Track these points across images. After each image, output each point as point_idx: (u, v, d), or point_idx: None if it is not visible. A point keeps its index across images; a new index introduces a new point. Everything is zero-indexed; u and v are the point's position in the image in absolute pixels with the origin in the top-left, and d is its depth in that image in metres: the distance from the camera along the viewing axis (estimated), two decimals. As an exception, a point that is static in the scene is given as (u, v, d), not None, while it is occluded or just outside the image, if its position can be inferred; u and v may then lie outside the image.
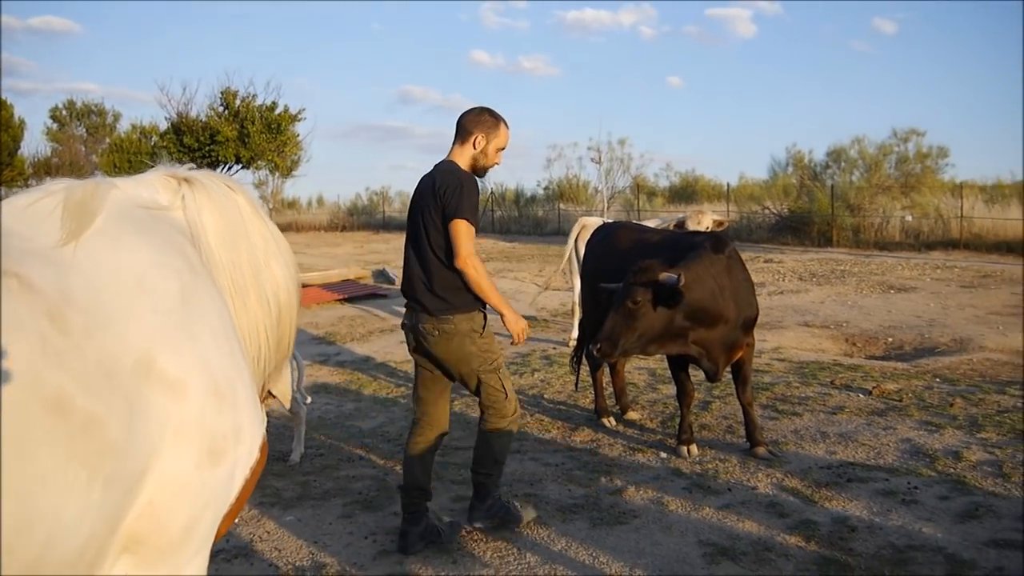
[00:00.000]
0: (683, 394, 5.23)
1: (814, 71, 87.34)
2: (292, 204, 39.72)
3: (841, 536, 3.85)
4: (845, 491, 4.37)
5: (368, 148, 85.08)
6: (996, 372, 7.56)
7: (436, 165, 3.97)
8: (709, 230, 6.83)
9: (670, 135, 75.79)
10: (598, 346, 4.64)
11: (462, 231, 3.72)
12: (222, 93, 22.49)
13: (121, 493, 1.45)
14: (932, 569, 3.49)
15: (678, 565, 3.65)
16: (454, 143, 3.99)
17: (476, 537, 4.05)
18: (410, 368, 8.11)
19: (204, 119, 22.21)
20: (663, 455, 5.11)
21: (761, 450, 4.99)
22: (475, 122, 3.93)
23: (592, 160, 27.19)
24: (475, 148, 3.92)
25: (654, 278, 4.60)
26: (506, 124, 4.01)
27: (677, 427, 5.33)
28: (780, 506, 4.24)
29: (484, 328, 3.90)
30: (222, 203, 2.00)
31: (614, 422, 5.87)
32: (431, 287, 3.84)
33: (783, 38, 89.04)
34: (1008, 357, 8.28)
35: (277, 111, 22.62)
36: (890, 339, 9.50)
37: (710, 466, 4.88)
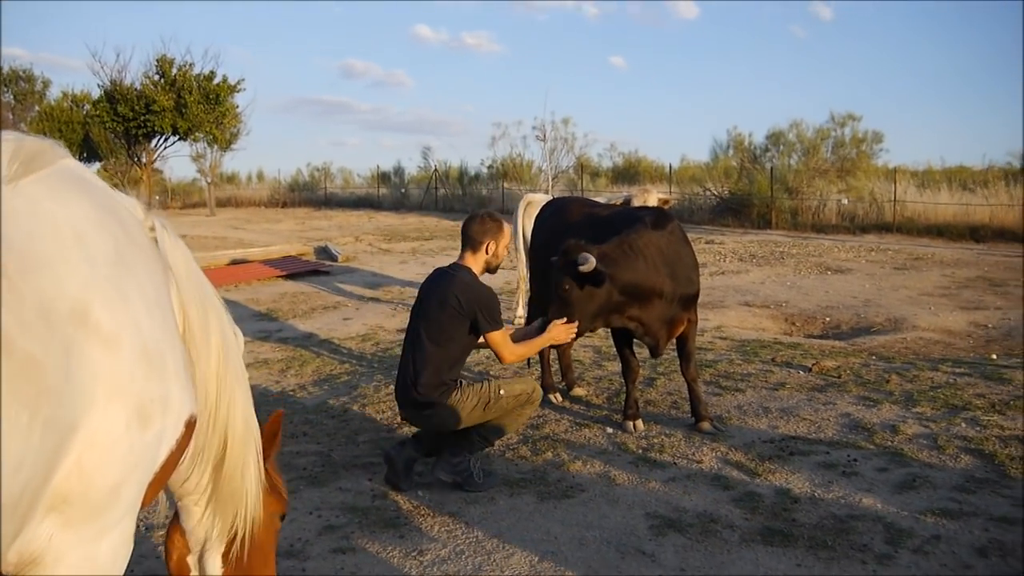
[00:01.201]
0: (628, 370, 5.26)
1: (755, 55, 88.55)
2: (231, 179, 38.90)
3: (784, 508, 3.92)
4: (787, 464, 4.45)
5: (309, 123, 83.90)
6: (929, 350, 7.78)
7: (451, 270, 4.37)
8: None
9: (613, 116, 76.23)
10: (561, 344, 4.70)
11: (499, 340, 4.27)
12: (158, 61, 21.88)
13: (56, 442, 1.46)
14: (872, 538, 3.57)
15: (625, 537, 3.68)
16: (464, 251, 4.42)
17: (423, 511, 4.03)
18: (354, 345, 8.03)
19: (139, 88, 21.55)
20: (609, 430, 5.13)
21: (706, 425, 5.05)
22: (482, 232, 4.36)
23: (537, 138, 27.18)
24: (487, 253, 4.39)
25: (573, 260, 4.55)
26: (507, 222, 4.55)
27: (623, 403, 5.36)
28: (725, 479, 4.29)
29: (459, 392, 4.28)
30: (186, 250, 2.02)
31: (560, 398, 5.88)
32: (415, 384, 4.25)
33: (724, 21, 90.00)
34: (940, 336, 8.54)
35: (216, 81, 22.05)
36: (828, 319, 9.70)
37: (656, 440, 4.92)
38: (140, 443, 1.63)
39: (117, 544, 1.69)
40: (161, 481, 1.82)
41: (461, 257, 4.44)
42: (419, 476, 4.43)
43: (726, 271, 13.34)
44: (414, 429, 4.63)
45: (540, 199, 8.58)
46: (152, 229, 1.93)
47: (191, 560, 2.28)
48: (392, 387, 5.55)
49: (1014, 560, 3.36)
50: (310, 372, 6.95)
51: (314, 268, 13.77)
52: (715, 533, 3.68)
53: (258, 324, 9.28)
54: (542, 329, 4.53)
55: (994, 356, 7.26)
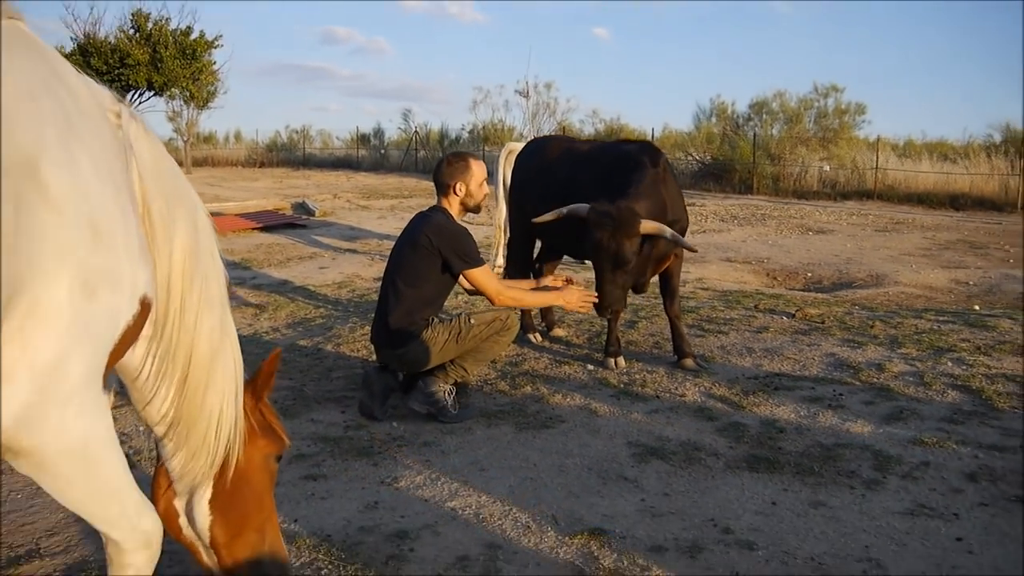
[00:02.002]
0: (612, 307, 5.12)
1: (739, 27, 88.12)
2: (208, 138, 38.14)
3: (770, 437, 3.83)
4: (772, 398, 4.36)
5: (289, 87, 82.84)
6: (911, 303, 7.72)
7: (426, 212, 4.31)
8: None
9: (596, 85, 75.67)
10: (612, 313, 4.54)
11: (480, 277, 4.12)
12: (133, 15, 21.31)
13: (5, 297, 1.44)
14: (860, 465, 3.49)
15: (607, 463, 3.57)
16: (439, 197, 4.32)
17: (398, 440, 3.90)
18: (329, 291, 7.86)
19: (113, 41, 21.00)
20: (590, 367, 5.01)
21: (689, 362, 4.94)
22: (448, 174, 4.25)
23: (519, 93, 26.92)
24: (459, 194, 4.24)
25: (638, 232, 4.40)
26: (474, 157, 4.36)
27: (604, 342, 5.23)
28: (708, 411, 4.20)
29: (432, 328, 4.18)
30: (159, 145, 1.93)
31: (540, 338, 5.75)
32: (388, 323, 4.16)
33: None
34: (921, 291, 8.48)
35: (192, 36, 21.54)
36: (809, 274, 9.63)
37: (637, 377, 4.81)
38: (84, 315, 1.56)
39: (79, 419, 1.61)
40: (117, 356, 1.73)
41: (437, 202, 4.34)
42: (393, 408, 4.29)
43: (707, 230, 13.24)
44: None
45: (521, 147, 8.38)
46: (119, 116, 1.82)
47: (178, 504, 2.13)
48: (368, 329, 5.41)
49: (1005, 485, 3.27)
50: (284, 316, 6.77)
51: (290, 221, 13.53)
52: (699, 460, 3.58)
53: (232, 272, 9.05)
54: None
55: (977, 307, 7.20)
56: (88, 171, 1.60)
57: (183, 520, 2.12)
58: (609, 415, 4.18)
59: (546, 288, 4.42)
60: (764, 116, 25.25)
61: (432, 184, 4.48)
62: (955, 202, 18.29)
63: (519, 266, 5.95)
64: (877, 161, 20.75)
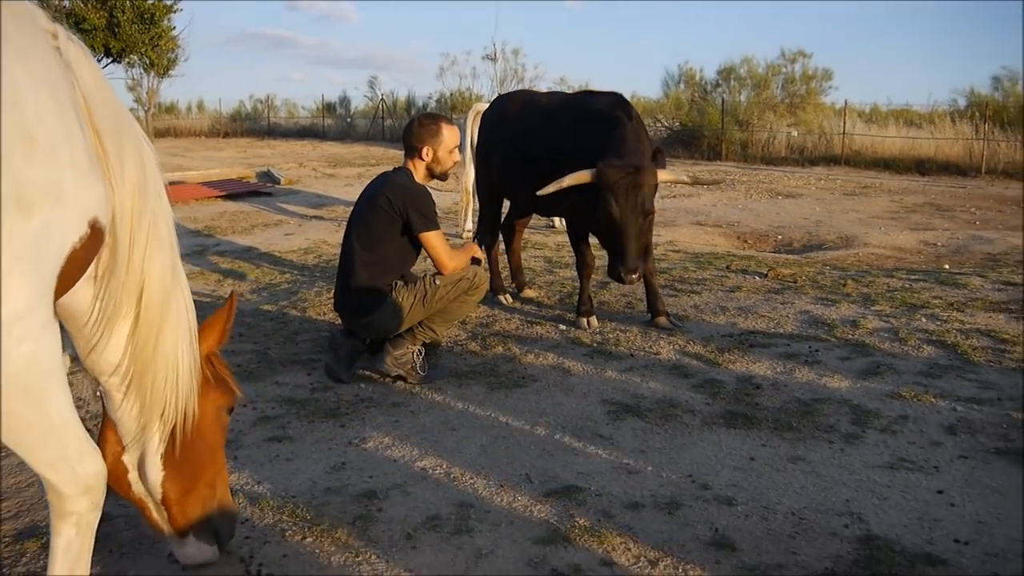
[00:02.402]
0: (583, 264, 5.02)
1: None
2: (170, 108, 37.20)
3: (747, 392, 3.76)
4: (748, 355, 4.30)
5: (252, 57, 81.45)
6: (881, 263, 7.70)
7: (388, 173, 4.14)
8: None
9: (565, 53, 75.01)
10: (637, 273, 4.32)
11: (435, 241, 3.96)
12: (88, -23, 20.59)
13: None
14: (838, 419, 3.44)
15: (581, 422, 3.48)
16: (405, 159, 4.13)
17: (366, 401, 3.78)
18: (295, 258, 7.69)
19: (68, 5, 20.36)
20: (562, 327, 4.91)
21: (662, 320, 4.86)
22: (417, 136, 4.05)
23: (487, 57, 26.59)
24: (426, 159, 4.06)
25: (656, 183, 4.35)
26: (447, 121, 4.14)
27: (576, 301, 5.13)
28: (684, 368, 4.12)
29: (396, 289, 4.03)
30: (98, 71, 1.80)
31: (510, 299, 5.63)
32: (349, 289, 4.04)
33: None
34: (891, 252, 8.47)
35: (150, 0, 20.92)
36: (780, 237, 9.59)
37: (611, 336, 4.72)
38: (21, 232, 1.46)
39: (21, 344, 1.50)
40: (67, 282, 1.62)
41: (403, 164, 4.16)
42: (361, 371, 4.16)
43: (677, 195, 13.16)
44: None
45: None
46: (55, 36, 1.68)
47: (127, 459, 2.01)
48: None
49: (984, 437, 3.23)
50: (249, 282, 6.59)
51: (255, 189, 13.24)
52: (675, 417, 3.50)
53: (194, 240, 8.83)
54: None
55: (947, 266, 7.20)
56: (21, 80, 1.49)
57: (132, 476, 2.00)
58: (583, 374, 4.09)
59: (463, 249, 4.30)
60: (732, 82, 25.16)
61: (398, 154, 4.31)
62: (921, 167, 18.37)
63: (488, 225, 5.81)
64: (844, 127, 20.80)
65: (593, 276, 5.19)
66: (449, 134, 4.09)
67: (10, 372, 1.49)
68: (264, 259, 7.65)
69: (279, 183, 14.54)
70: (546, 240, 8.51)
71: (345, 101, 34.16)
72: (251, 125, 34.47)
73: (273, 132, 33.32)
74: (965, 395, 3.65)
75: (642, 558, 2.43)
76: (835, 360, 4.18)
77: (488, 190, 5.75)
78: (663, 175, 4.41)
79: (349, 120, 32.65)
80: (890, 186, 15.00)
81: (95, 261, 1.74)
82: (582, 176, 4.33)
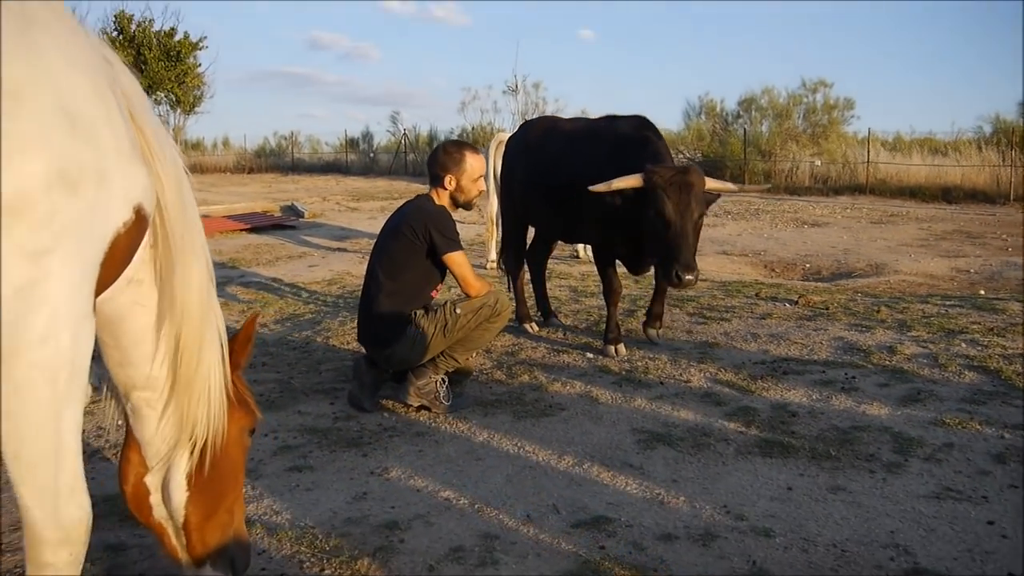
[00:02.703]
0: (610, 292, 4.93)
1: (725, 24, 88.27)
2: (196, 145, 37.79)
3: (782, 420, 3.63)
4: (782, 382, 4.17)
5: (275, 95, 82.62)
6: (914, 290, 7.54)
7: (411, 200, 4.10)
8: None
9: (584, 86, 75.33)
10: (694, 273, 4.20)
11: (460, 261, 3.89)
12: (116, 16, 20.99)
13: None
14: (879, 447, 3.30)
15: (611, 451, 3.36)
16: (430, 187, 4.06)
17: (389, 431, 3.68)
18: (319, 288, 7.66)
19: (97, 44, 20.75)
20: (589, 355, 4.81)
21: (652, 332, 5.00)
22: (441, 164, 3.97)
23: (509, 89, 26.75)
24: (449, 187, 3.98)
25: (704, 184, 4.37)
26: (473, 150, 4.05)
27: (603, 329, 5.03)
28: (716, 396, 4.00)
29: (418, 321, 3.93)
30: (134, 78, 1.77)
31: (536, 328, 5.54)
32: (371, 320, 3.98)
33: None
34: (922, 279, 8.31)
35: (176, 38, 21.27)
36: (808, 265, 9.46)
37: (639, 364, 4.60)
38: (67, 209, 1.41)
39: (50, 327, 1.41)
40: (112, 269, 1.58)
41: (427, 192, 4.10)
42: (384, 400, 4.07)
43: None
44: None
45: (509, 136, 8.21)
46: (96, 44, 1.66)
47: (150, 481, 1.92)
48: (358, 322, 5.21)
49: (1035, 465, 3.08)
50: (273, 312, 6.55)
51: (279, 222, 13.29)
52: (708, 446, 3.38)
53: (219, 271, 8.62)
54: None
55: (982, 292, 7.03)
56: (58, 61, 1.45)
57: (155, 498, 1.90)
58: (611, 402, 3.98)
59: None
60: (753, 112, 25.11)
61: (421, 188, 4.26)
62: (947, 195, 18.15)
63: (513, 254, 5.74)
64: (868, 155, 20.63)
65: (620, 304, 5.09)
66: (474, 161, 4.01)
67: (42, 359, 1.41)
68: (288, 290, 7.63)
69: (303, 216, 14.60)
70: (571, 270, 8.43)
71: (368, 136, 34.51)
72: (276, 161, 34.86)
73: (297, 168, 33.65)
74: (1012, 422, 3.50)
75: (678, 593, 2.30)
76: (873, 387, 4.04)
77: (512, 217, 5.70)
78: (710, 182, 4.41)
79: (372, 155, 32.94)
80: (917, 214, 14.82)
81: (137, 264, 1.69)
82: (631, 180, 4.27)
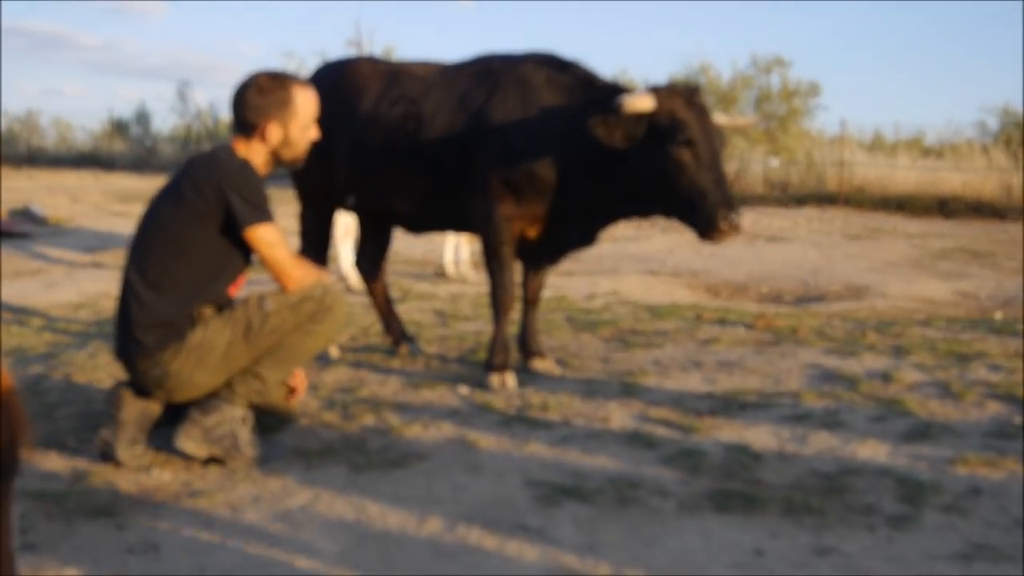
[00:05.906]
0: (504, 296, 4.88)
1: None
2: None
3: (742, 466, 3.68)
4: (738, 418, 4.24)
5: (11, 61, 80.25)
6: (909, 316, 7.76)
7: (200, 153, 4.04)
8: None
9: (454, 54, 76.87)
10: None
11: (271, 238, 3.68)
12: None
13: None
14: (880, 496, 3.34)
15: (497, 510, 3.29)
16: (235, 137, 3.84)
17: (159, 492, 3.49)
18: (60, 313, 7.39)
19: None
20: (463, 390, 4.73)
21: (544, 363, 5.14)
22: (257, 108, 3.75)
23: (349, 46, 27.11)
24: (270, 140, 3.78)
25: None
26: (300, 84, 3.87)
27: (486, 354, 4.95)
28: (645, 437, 4.01)
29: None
30: None
31: (406, 351, 5.52)
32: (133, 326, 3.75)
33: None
34: (918, 305, 8.57)
35: None
36: (764, 288, 9.65)
37: (534, 400, 4.57)
38: None
39: None
40: None
41: (231, 141, 3.88)
42: (155, 448, 3.82)
43: (617, 238, 13.13)
44: None
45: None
46: None
47: None
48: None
49: (1092, 514, 3.12)
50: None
51: (8, 230, 12.86)
52: (638, 501, 3.35)
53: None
54: None
55: (999, 315, 7.29)
56: None
57: None
58: (495, 448, 3.92)
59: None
60: (687, 97, 25.91)
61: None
62: (944, 207, 19.01)
63: (315, 248, 5.53)
64: (843, 155, 21.36)
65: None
66: (304, 100, 3.82)
67: None
68: (12, 318, 7.27)
69: (43, 223, 14.26)
70: (435, 289, 8.38)
71: (143, 118, 34.09)
72: (6, 151, 34.09)
73: (36, 159, 33.13)
74: (1056, 461, 3.58)
75: None
76: (864, 421, 4.15)
77: (319, 194, 5.45)
78: None
79: (150, 145, 32.49)
80: (907, 229, 15.48)
81: None
82: (642, 101, 4.29)
